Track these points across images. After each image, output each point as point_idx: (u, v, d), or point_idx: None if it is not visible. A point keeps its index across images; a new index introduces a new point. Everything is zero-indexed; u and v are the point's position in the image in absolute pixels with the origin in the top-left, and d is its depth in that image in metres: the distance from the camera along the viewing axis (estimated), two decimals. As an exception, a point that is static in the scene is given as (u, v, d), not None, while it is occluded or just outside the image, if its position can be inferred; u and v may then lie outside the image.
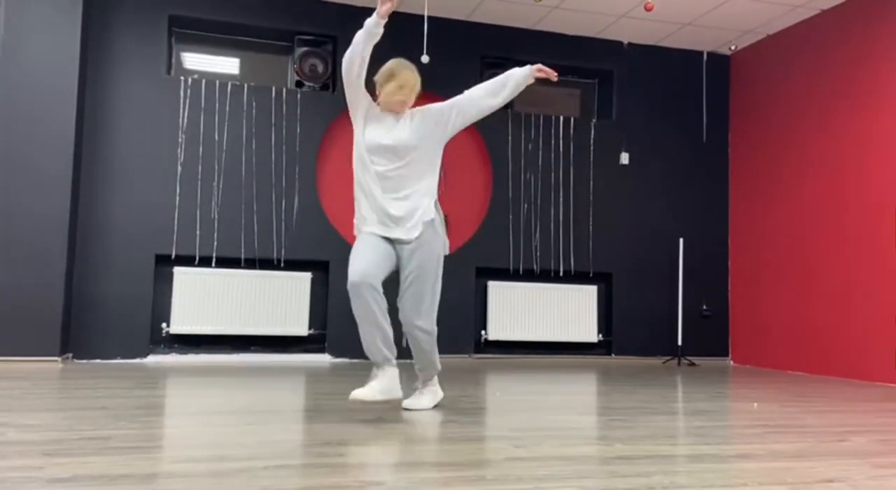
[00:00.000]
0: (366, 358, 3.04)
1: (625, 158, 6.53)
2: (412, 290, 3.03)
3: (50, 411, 2.90)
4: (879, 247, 5.16)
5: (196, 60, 5.90)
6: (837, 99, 5.62)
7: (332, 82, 5.89)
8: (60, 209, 4.95)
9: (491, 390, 4.05)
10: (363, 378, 3.19)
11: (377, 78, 3.10)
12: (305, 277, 5.67)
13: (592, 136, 6.49)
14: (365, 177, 3.07)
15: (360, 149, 3.08)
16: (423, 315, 3.04)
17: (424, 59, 5.17)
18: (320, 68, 5.82)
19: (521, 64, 6.51)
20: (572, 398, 3.83)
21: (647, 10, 4.43)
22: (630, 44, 6.58)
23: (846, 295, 5.42)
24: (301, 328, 5.62)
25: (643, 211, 6.54)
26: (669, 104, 6.68)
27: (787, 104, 6.14)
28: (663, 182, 6.61)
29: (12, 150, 4.88)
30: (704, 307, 6.60)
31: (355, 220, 3.16)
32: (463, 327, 5.99)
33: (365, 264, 2.93)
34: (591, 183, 6.45)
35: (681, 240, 6.47)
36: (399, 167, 3.05)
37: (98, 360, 5.19)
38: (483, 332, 6.10)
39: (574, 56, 6.48)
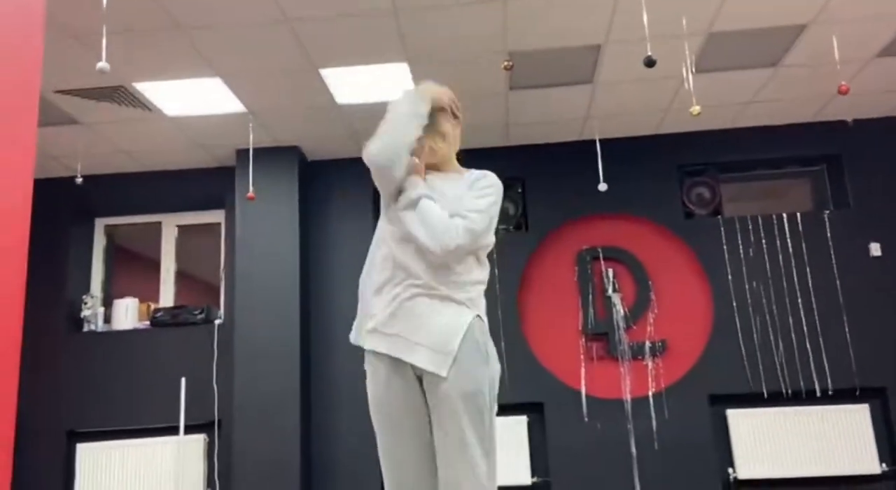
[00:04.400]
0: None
1: (875, 249, 5.56)
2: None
3: None
4: None
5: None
6: None
7: (525, 221, 5.93)
8: (292, 380, 5.42)
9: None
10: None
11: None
12: (522, 421, 5.50)
13: (828, 230, 5.66)
14: None
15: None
16: None
17: (602, 187, 5.02)
18: (511, 210, 5.92)
19: (725, 166, 6.12)
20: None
21: (842, 93, 3.85)
22: (856, 120, 5.77)
23: None
24: (521, 476, 5.39)
25: (913, 307, 5.43)
26: (923, 177, 5.64)
27: None
28: (934, 269, 5.48)
29: (251, 332, 5.54)
30: None
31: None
32: (704, 467, 5.30)
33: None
34: (838, 283, 5.55)
35: (974, 337, 5.21)
36: None
37: (337, 519, 5.42)
38: (730, 471, 5.33)
39: (788, 146, 5.84)
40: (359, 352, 6.01)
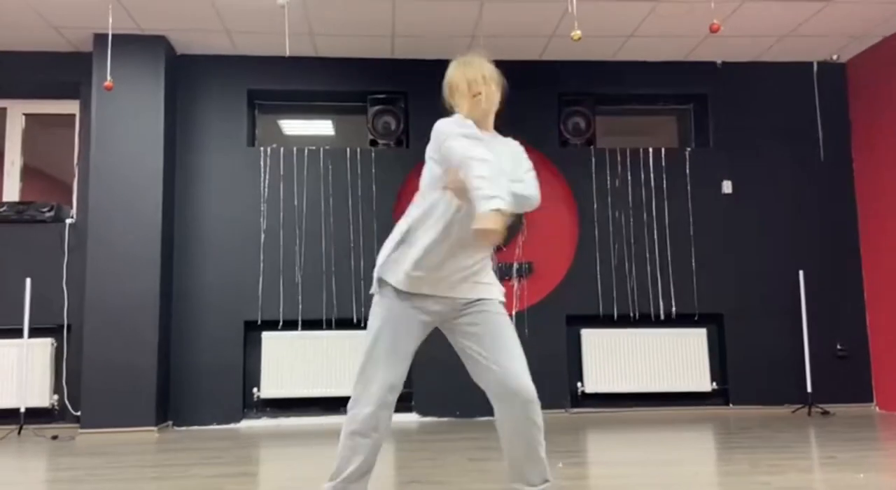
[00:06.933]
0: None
1: (727, 187, 5.97)
2: None
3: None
4: None
5: (277, 129, 6.12)
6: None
7: (406, 138, 5.87)
8: (151, 284, 5.20)
9: (594, 452, 3.70)
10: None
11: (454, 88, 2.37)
12: (389, 335, 5.58)
13: (688, 167, 5.99)
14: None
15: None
16: None
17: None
18: (393, 125, 5.82)
19: (602, 98, 6.24)
20: (687, 465, 3.40)
21: (713, 31, 4.01)
22: (724, 63, 6.07)
23: None
24: (386, 388, 5.50)
25: (753, 243, 5.91)
26: (776, 124, 6.06)
27: (913, 111, 5.37)
28: (775, 209, 5.96)
29: (105, 232, 5.21)
30: (839, 347, 5.81)
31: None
32: (557, 380, 5.64)
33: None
34: (691, 217, 5.93)
35: (800, 272, 5.77)
36: None
37: (196, 427, 5.35)
38: (579, 384, 5.71)
39: (661, 83, 6.07)
40: (225, 258, 5.83)
